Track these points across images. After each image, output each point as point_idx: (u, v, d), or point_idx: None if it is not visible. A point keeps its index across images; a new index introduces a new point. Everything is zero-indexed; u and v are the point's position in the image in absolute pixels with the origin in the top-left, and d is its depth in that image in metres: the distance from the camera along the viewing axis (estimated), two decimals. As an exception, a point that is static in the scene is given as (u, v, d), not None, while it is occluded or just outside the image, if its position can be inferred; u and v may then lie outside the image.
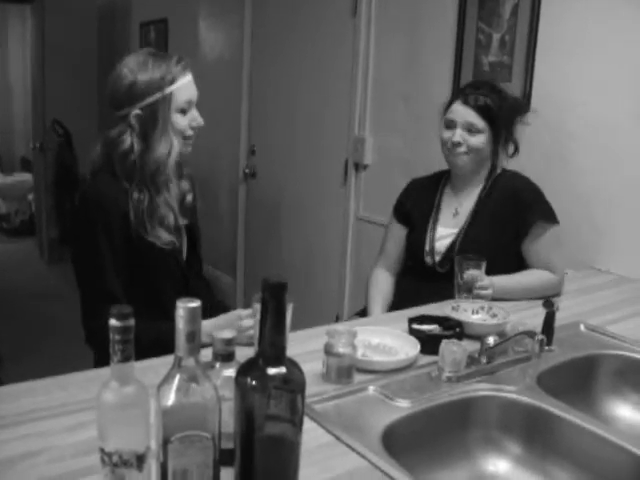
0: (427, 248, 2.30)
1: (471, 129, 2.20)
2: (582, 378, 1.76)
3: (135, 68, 1.81)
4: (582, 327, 1.95)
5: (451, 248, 2.25)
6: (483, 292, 2.00)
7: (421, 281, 2.30)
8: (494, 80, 2.61)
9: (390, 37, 3.39)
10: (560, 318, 1.77)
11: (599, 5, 2.51)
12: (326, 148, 3.87)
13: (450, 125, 2.24)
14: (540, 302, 1.81)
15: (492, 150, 2.26)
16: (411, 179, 2.52)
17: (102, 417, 0.94)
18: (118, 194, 1.83)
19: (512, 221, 2.22)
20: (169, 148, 1.85)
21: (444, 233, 2.30)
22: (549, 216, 2.24)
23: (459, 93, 2.29)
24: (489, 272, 2.05)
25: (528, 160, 2.73)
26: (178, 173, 1.95)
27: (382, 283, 2.41)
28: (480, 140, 2.21)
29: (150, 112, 1.82)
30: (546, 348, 1.66)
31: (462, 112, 2.21)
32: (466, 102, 2.22)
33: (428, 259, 2.29)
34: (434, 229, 2.32)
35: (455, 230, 2.28)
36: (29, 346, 4.20)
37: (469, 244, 2.20)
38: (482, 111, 2.20)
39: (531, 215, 2.21)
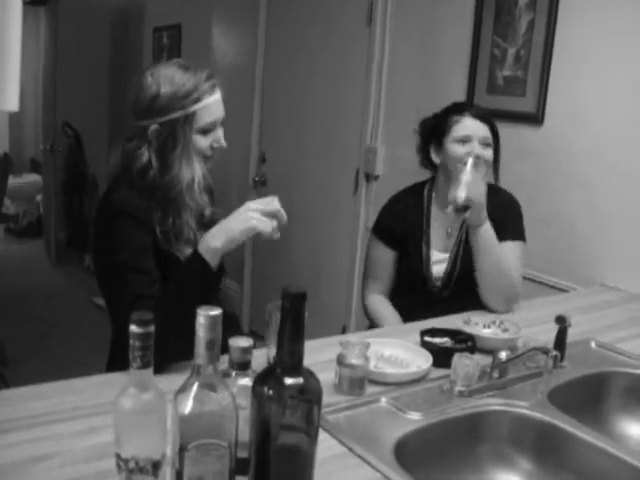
0: (424, 273, 2.25)
1: (486, 142, 2.15)
2: (593, 395, 1.76)
3: (160, 79, 1.67)
4: (593, 344, 1.95)
5: (450, 275, 2.23)
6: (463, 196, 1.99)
7: (421, 304, 2.23)
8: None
9: (404, 47, 3.39)
10: (570, 334, 1.76)
11: (615, 21, 2.51)
12: (337, 158, 3.87)
13: (465, 140, 2.13)
14: (544, 316, 1.80)
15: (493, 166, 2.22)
16: (389, 198, 2.41)
17: (119, 423, 0.94)
18: (142, 207, 1.69)
19: None
20: (192, 173, 1.72)
21: (439, 257, 2.25)
22: (516, 235, 2.20)
23: (464, 108, 2.22)
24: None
25: (542, 175, 2.74)
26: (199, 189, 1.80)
27: (387, 305, 2.33)
28: (491, 154, 2.17)
29: (169, 130, 1.68)
30: (558, 364, 1.65)
31: (476, 126, 2.15)
32: (477, 115, 2.17)
33: (427, 284, 2.24)
34: (428, 253, 2.26)
35: (447, 254, 2.25)
36: (35, 348, 4.20)
37: (466, 271, 2.15)
38: (491, 124, 2.18)
39: (500, 234, 2.13)
